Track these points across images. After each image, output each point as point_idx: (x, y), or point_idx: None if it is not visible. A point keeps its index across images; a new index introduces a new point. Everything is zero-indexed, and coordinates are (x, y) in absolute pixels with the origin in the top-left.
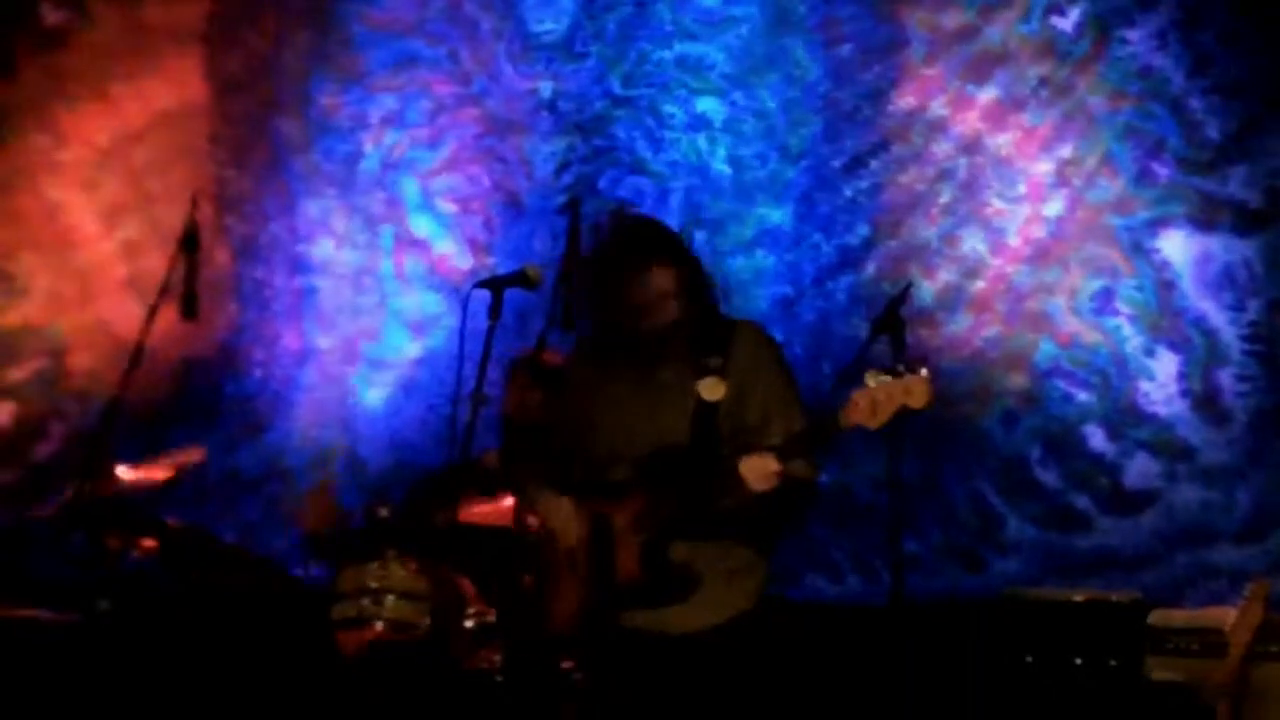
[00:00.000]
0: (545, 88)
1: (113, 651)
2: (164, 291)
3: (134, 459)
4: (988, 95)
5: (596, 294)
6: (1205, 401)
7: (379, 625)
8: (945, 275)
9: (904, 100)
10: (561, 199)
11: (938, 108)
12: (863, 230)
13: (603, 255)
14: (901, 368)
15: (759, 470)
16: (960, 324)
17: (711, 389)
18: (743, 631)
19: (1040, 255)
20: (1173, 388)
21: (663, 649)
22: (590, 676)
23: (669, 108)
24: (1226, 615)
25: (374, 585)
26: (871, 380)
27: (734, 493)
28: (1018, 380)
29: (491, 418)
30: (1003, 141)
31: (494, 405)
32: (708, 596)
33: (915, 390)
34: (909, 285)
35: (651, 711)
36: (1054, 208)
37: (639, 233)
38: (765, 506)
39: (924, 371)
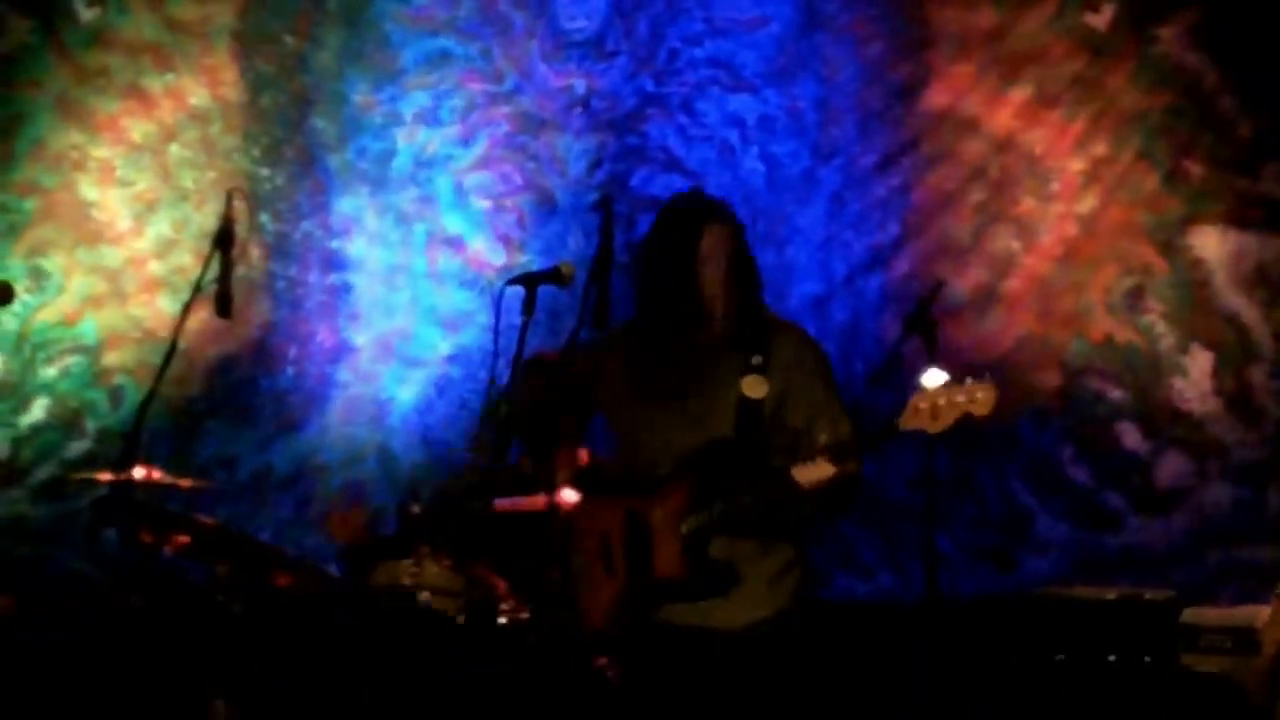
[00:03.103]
0: (578, 85)
1: (144, 647)
2: (198, 289)
3: (166, 457)
4: (1020, 93)
5: (653, 266)
6: (1238, 399)
7: None
8: (977, 274)
9: (936, 98)
10: (594, 196)
11: (969, 106)
12: (894, 229)
13: (655, 227)
14: (966, 374)
15: (813, 476)
16: (992, 322)
17: (754, 386)
18: (783, 629)
19: (1073, 253)
20: (1205, 385)
21: (705, 644)
22: (625, 671)
23: (701, 105)
24: (1259, 613)
25: (407, 582)
26: (930, 379)
27: (781, 492)
28: (1050, 378)
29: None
30: (1035, 139)
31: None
32: (748, 593)
33: (981, 398)
34: (940, 284)
35: (691, 707)
36: (1086, 205)
37: (692, 199)
38: (815, 502)
39: (988, 378)
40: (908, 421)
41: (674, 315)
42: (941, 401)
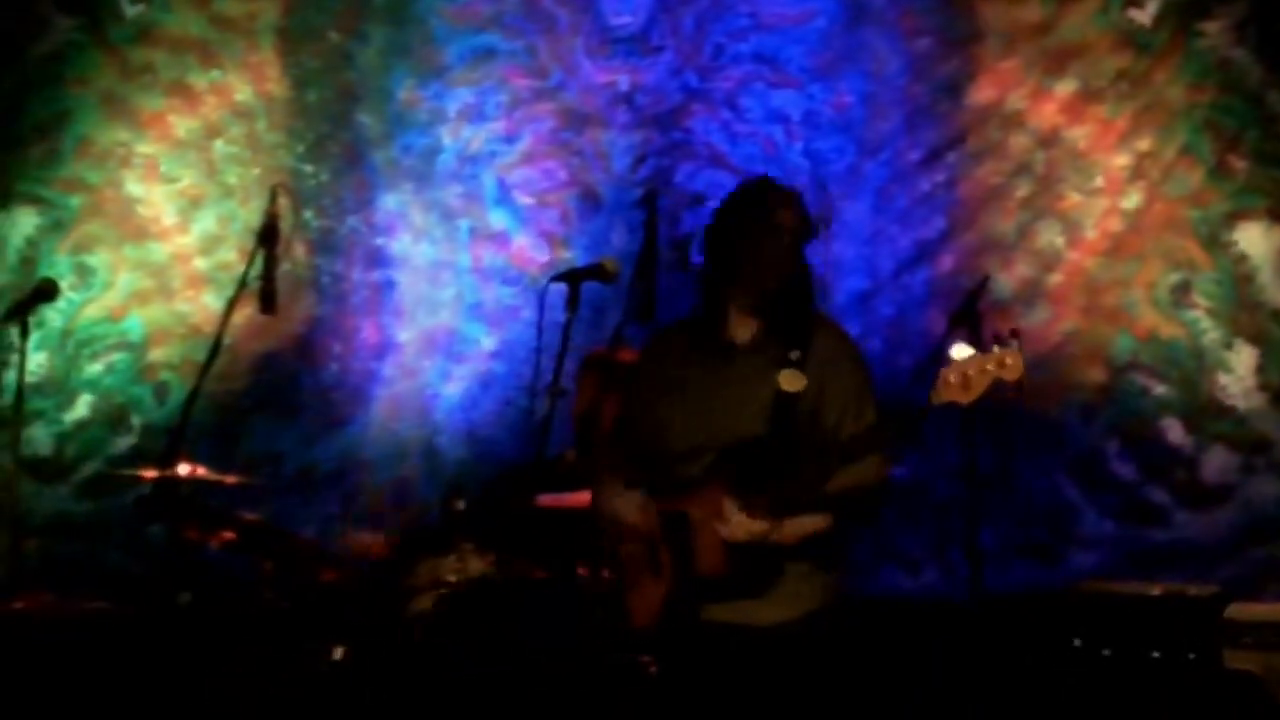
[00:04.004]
0: (622, 81)
1: (191, 644)
2: (242, 285)
3: (210, 454)
4: (1065, 88)
5: (722, 248)
6: None
7: None
8: (1022, 269)
9: (981, 94)
10: (638, 192)
11: (1015, 101)
12: (940, 224)
13: (729, 204)
14: (992, 341)
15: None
16: (1037, 317)
17: (791, 380)
18: (822, 625)
19: (1118, 248)
20: (1250, 381)
21: (744, 641)
22: (665, 668)
23: (746, 101)
24: None
25: (452, 579)
26: (958, 351)
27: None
28: (1095, 374)
29: (569, 412)
30: (1080, 134)
31: (571, 399)
32: (788, 590)
33: (1010, 362)
34: (986, 279)
35: (731, 704)
36: (1131, 201)
37: (763, 184)
38: (844, 509)
39: (1014, 343)
40: (939, 395)
41: (750, 284)
42: (971, 371)
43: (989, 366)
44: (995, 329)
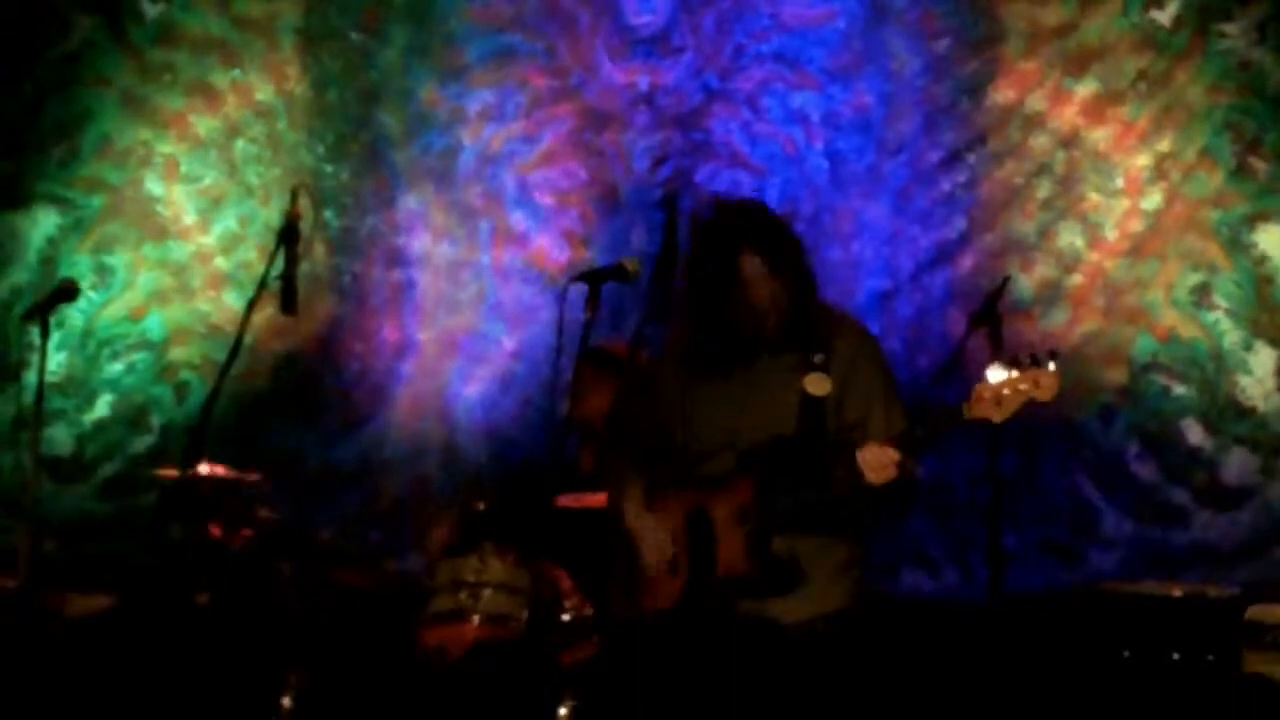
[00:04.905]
0: (643, 81)
1: (212, 642)
2: (263, 284)
3: (231, 453)
4: (1086, 89)
5: (689, 287)
6: None
7: (476, 619)
8: (1043, 269)
9: (1002, 94)
10: (659, 193)
11: (1035, 102)
12: (960, 224)
13: (693, 245)
14: (1028, 360)
15: (877, 460)
16: (1058, 318)
17: (817, 384)
18: (843, 626)
19: (1138, 249)
20: (1270, 382)
21: (764, 637)
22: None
23: (766, 101)
24: None
25: (471, 579)
26: (994, 374)
27: (849, 484)
28: (1115, 375)
29: (581, 411)
30: (1100, 135)
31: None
32: (810, 589)
33: (1044, 383)
34: (1006, 279)
35: (754, 699)
36: (1152, 202)
37: (727, 219)
38: (876, 499)
39: (1052, 365)
40: (972, 411)
41: (720, 325)
42: (1006, 390)
43: (1023, 386)
44: (1033, 347)
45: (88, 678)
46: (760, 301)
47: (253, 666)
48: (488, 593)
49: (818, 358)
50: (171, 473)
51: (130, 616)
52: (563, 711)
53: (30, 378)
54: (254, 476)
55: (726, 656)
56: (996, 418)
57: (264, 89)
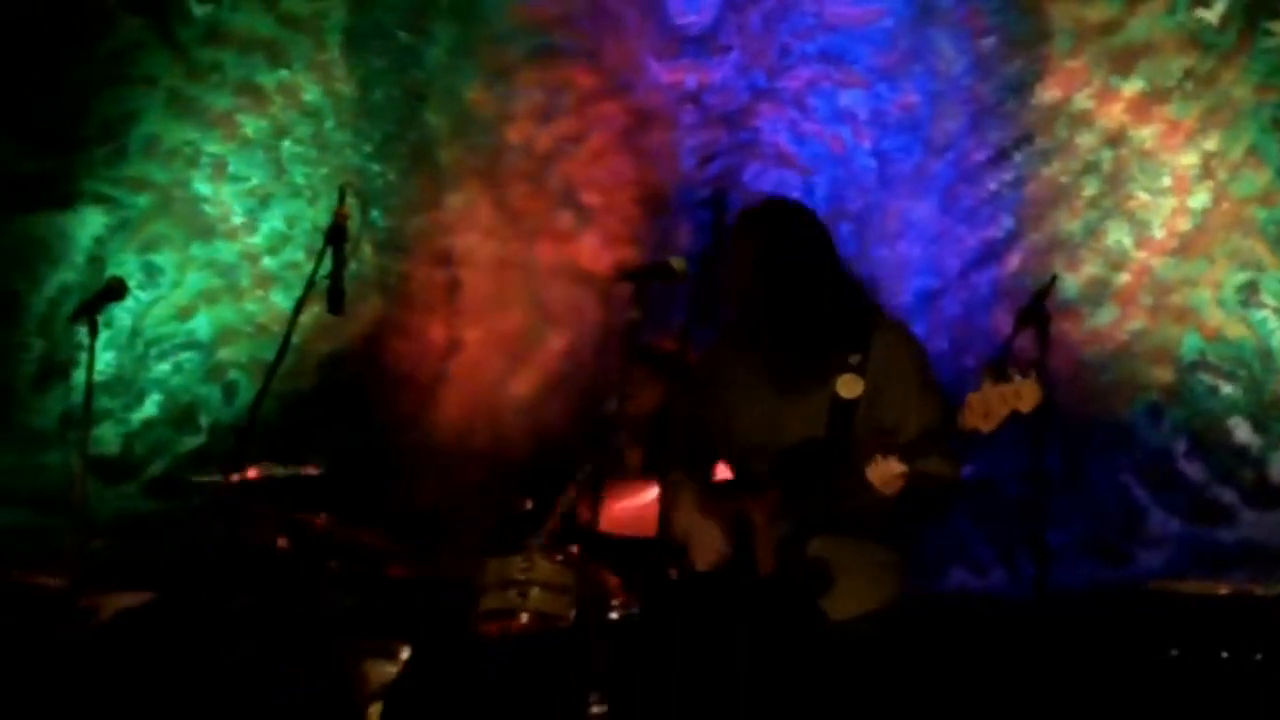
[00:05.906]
0: (689, 80)
1: (249, 642)
2: (310, 284)
3: (277, 453)
4: (1132, 87)
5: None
6: None
7: (524, 617)
8: (1090, 268)
9: (1048, 93)
10: (704, 192)
11: (1082, 100)
12: (1007, 223)
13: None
14: (1013, 371)
15: (884, 474)
16: (1105, 317)
17: (849, 386)
18: (884, 625)
19: (1185, 248)
20: None
21: (813, 634)
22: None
23: (813, 100)
24: None
25: (519, 578)
26: (986, 383)
27: (863, 496)
28: (1162, 373)
29: (630, 410)
30: (1147, 134)
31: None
32: (846, 590)
33: (1025, 394)
34: (1054, 278)
35: (797, 694)
36: (1199, 200)
37: (743, 212)
38: (898, 507)
39: (1032, 375)
40: (965, 421)
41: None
42: (992, 401)
43: (1006, 398)
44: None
45: (123, 676)
46: (742, 287)
47: (293, 665)
48: (535, 591)
49: (853, 359)
50: (219, 473)
51: (166, 615)
52: (595, 710)
53: (79, 377)
54: (313, 470)
55: (768, 651)
56: (985, 428)
57: (311, 89)
